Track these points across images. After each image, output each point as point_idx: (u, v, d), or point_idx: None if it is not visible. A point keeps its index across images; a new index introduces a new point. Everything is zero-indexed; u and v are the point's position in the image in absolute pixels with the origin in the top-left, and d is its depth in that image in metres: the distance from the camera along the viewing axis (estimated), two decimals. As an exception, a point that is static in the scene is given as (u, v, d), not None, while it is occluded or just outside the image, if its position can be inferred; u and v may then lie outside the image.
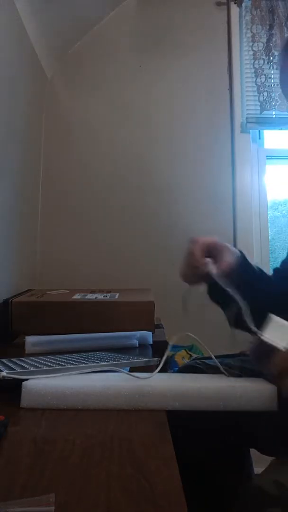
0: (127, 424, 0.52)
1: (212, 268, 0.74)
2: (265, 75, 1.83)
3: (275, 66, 1.83)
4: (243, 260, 0.85)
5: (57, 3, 1.54)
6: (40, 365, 0.68)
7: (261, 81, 1.83)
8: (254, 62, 1.85)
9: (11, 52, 1.38)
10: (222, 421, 0.70)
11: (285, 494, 0.51)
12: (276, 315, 0.71)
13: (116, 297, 1.18)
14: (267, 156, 1.91)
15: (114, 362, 0.71)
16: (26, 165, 1.64)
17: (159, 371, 0.66)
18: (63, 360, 0.74)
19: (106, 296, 1.19)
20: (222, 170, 1.86)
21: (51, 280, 1.73)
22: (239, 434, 0.80)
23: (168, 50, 1.90)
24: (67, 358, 0.76)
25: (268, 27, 1.83)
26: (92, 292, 1.29)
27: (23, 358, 0.75)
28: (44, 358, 0.76)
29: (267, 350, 0.41)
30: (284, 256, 0.91)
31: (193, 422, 0.75)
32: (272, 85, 1.82)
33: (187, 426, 0.74)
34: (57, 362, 0.72)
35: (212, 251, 0.78)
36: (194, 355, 1.52)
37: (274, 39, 1.82)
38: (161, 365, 0.67)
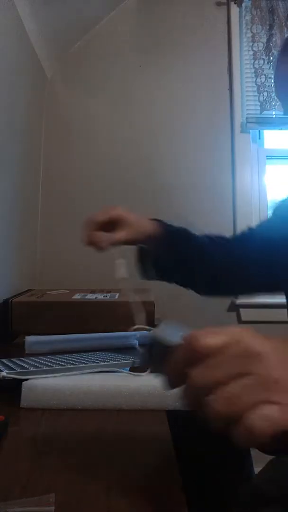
0: (127, 424, 0.52)
1: (105, 242, 0.80)
2: (265, 75, 1.83)
3: (275, 66, 1.83)
4: (163, 230, 0.89)
5: (57, 3, 1.54)
6: (40, 365, 0.68)
7: (261, 81, 1.83)
8: (254, 62, 1.85)
9: (11, 52, 1.38)
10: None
11: (283, 493, 0.51)
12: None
13: (116, 297, 1.18)
14: (267, 156, 1.91)
15: (114, 362, 0.71)
16: (26, 165, 1.64)
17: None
18: (63, 360, 0.74)
19: (106, 296, 1.19)
20: (222, 170, 1.86)
21: (51, 280, 1.73)
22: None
23: (168, 50, 1.90)
24: (67, 358, 0.76)
25: (268, 27, 1.83)
26: (92, 292, 1.29)
27: (23, 358, 0.75)
28: (44, 358, 0.76)
29: (160, 349, 0.39)
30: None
31: (193, 422, 0.75)
32: (272, 85, 1.82)
33: (187, 426, 0.74)
34: (57, 362, 0.72)
35: (114, 224, 0.82)
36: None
37: (274, 39, 1.82)
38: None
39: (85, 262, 1.79)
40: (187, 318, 1.77)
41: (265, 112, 1.81)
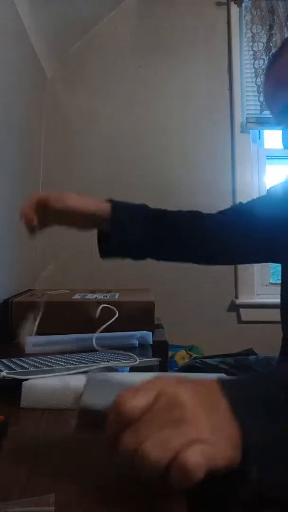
0: (127, 424, 0.52)
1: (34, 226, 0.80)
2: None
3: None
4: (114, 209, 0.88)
5: (57, 3, 1.54)
6: (40, 365, 0.68)
7: (261, 81, 1.83)
8: (254, 62, 1.85)
9: (11, 52, 1.38)
10: None
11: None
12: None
13: (116, 297, 1.18)
14: (267, 156, 1.91)
15: (114, 362, 0.71)
16: (26, 165, 1.64)
17: (161, 371, 0.66)
18: (63, 360, 0.74)
19: (106, 296, 1.19)
20: (222, 169, 1.86)
21: (51, 280, 1.73)
22: None
23: (168, 50, 1.90)
24: (67, 358, 0.76)
25: (268, 27, 1.83)
26: (92, 292, 1.29)
27: (23, 358, 0.75)
28: (44, 358, 0.76)
29: (95, 416, 0.38)
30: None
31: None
32: (272, 85, 1.82)
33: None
34: (57, 362, 0.72)
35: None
36: (194, 355, 1.52)
37: (274, 39, 1.82)
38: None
39: (85, 262, 1.79)
40: (187, 318, 1.77)
41: (265, 112, 1.81)
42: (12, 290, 1.35)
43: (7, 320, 1.08)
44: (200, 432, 0.32)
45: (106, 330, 0.99)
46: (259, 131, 1.90)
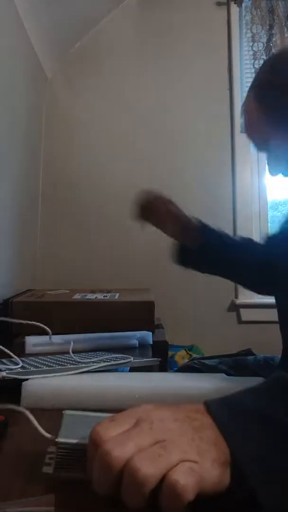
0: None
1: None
2: (265, 75, 1.83)
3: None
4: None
5: (57, 3, 1.54)
6: (40, 365, 0.68)
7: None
8: (254, 62, 1.85)
9: (11, 52, 1.38)
10: None
11: None
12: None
13: (116, 297, 1.18)
14: (267, 156, 1.90)
15: (114, 362, 0.71)
16: (26, 165, 1.64)
17: (161, 371, 0.66)
18: (63, 360, 0.74)
19: (106, 296, 1.19)
20: (222, 170, 1.86)
21: (51, 280, 1.73)
22: None
23: (168, 50, 1.90)
24: (67, 358, 0.76)
25: (268, 27, 1.83)
26: (92, 292, 1.29)
27: (23, 358, 0.75)
28: (44, 358, 0.76)
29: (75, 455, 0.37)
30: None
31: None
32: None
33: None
34: (57, 362, 0.72)
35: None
36: (194, 355, 1.52)
37: (274, 39, 1.82)
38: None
39: (85, 262, 1.80)
40: (187, 318, 1.77)
41: (265, 112, 1.81)
42: (12, 290, 1.35)
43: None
44: (185, 453, 0.31)
45: (106, 330, 0.99)
46: None
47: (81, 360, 0.73)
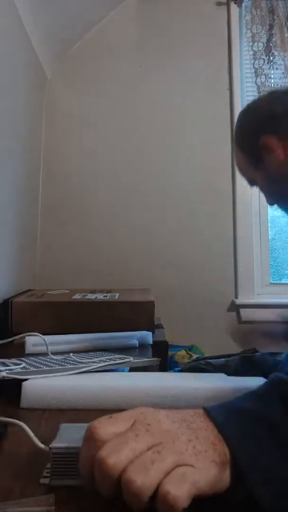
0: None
1: None
2: (265, 75, 1.83)
3: (275, 66, 1.83)
4: None
5: (57, 3, 1.54)
6: (40, 365, 0.68)
7: (261, 81, 1.83)
8: (254, 62, 1.85)
9: (11, 52, 1.38)
10: None
11: None
12: None
13: (116, 297, 1.18)
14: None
15: (114, 362, 0.71)
16: (27, 165, 1.64)
17: (161, 371, 0.66)
18: (63, 360, 0.74)
19: (106, 296, 1.19)
20: (222, 170, 1.86)
21: (51, 280, 1.73)
22: None
23: (168, 50, 1.90)
24: (67, 358, 0.76)
25: (268, 27, 1.83)
26: (92, 292, 1.29)
27: (23, 358, 0.75)
28: (44, 358, 0.76)
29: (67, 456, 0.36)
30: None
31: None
32: (272, 85, 1.82)
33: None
34: (57, 362, 0.72)
35: None
36: (194, 355, 1.52)
37: (274, 39, 1.82)
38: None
39: (85, 262, 1.80)
40: (187, 318, 1.77)
41: (265, 112, 1.81)
42: (12, 290, 1.35)
43: (7, 320, 1.08)
44: (181, 455, 0.31)
45: (106, 330, 0.99)
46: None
47: (81, 360, 0.73)
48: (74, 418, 0.53)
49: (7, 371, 0.61)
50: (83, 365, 0.68)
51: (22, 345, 0.89)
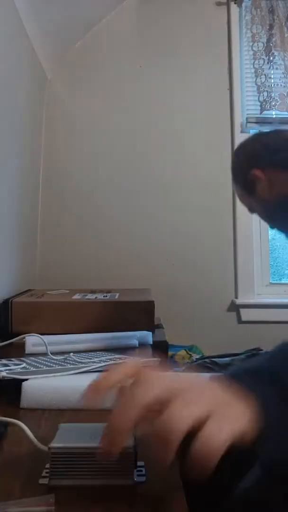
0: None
1: None
2: (265, 75, 1.83)
3: (275, 66, 1.83)
4: None
5: (57, 3, 1.54)
6: (40, 365, 0.68)
7: (261, 81, 1.83)
8: (254, 62, 1.85)
9: (11, 52, 1.38)
10: None
11: (262, 497, 0.52)
12: None
13: (116, 297, 1.18)
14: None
15: (114, 362, 0.71)
16: (27, 165, 1.64)
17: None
18: (63, 360, 0.74)
19: (106, 296, 1.19)
20: (222, 170, 1.86)
21: (51, 280, 1.73)
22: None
23: (168, 50, 1.90)
24: (67, 358, 0.76)
25: (268, 27, 1.83)
26: (92, 292, 1.29)
27: (23, 358, 0.75)
28: (44, 358, 0.76)
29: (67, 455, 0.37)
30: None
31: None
32: (272, 85, 1.82)
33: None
34: (57, 362, 0.72)
35: None
36: (194, 355, 1.52)
37: (274, 39, 1.82)
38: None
39: (85, 262, 1.80)
40: (187, 318, 1.77)
41: (265, 112, 1.81)
42: (12, 290, 1.35)
43: (7, 320, 1.08)
44: (218, 406, 0.32)
45: (106, 330, 0.99)
46: (259, 131, 1.90)
47: (81, 360, 0.73)
48: (74, 418, 0.53)
49: (7, 371, 0.61)
50: (83, 365, 0.68)
51: (22, 345, 0.89)
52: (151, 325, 1.07)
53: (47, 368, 0.66)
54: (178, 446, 0.30)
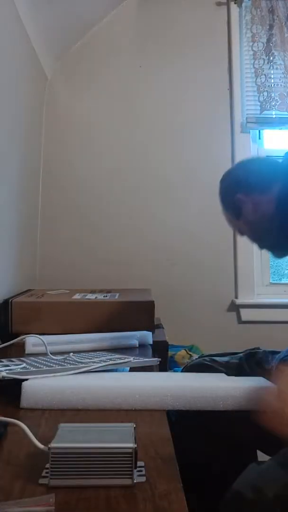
0: (127, 424, 0.52)
1: None
2: (265, 75, 1.83)
3: (275, 66, 1.83)
4: None
5: (57, 3, 1.54)
6: (40, 365, 0.68)
7: (261, 81, 1.83)
8: (254, 62, 1.85)
9: (11, 52, 1.38)
10: (228, 421, 0.70)
11: (261, 498, 0.52)
12: None
13: (116, 297, 1.18)
14: (267, 157, 1.90)
15: (114, 362, 0.71)
16: (26, 165, 1.64)
17: (161, 371, 0.66)
18: (63, 360, 0.74)
19: (106, 296, 1.19)
20: (222, 170, 1.86)
21: (51, 280, 1.73)
22: (245, 434, 0.80)
23: (168, 50, 1.90)
24: (67, 358, 0.76)
25: (268, 27, 1.83)
26: (92, 292, 1.29)
27: (23, 358, 0.75)
28: (44, 358, 0.76)
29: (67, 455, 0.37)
30: None
31: (193, 422, 0.75)
32: (272, 85, 1.82)
33: (188, 426, 0.74)
34: (57, 362, 0.72)
35: None
36: (194, 355, 1.52)
37: (274, 39, 1.82)
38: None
39: (85, 262, 1.80)
40: (187, 318, 1.77)
41: (265, 112, 1.81)
42: (12, 290, 1.35)
43: (7, 320, 1.08)
44: None
45: (106, 330, 0.99)
46: (259, 131, 1.90)
47: (81, 360, 0.73)
48: (74, 418, 0.53)
49: (7, 371, 0.61)
50: (83, 365, 0.68)
51: (22, 345, 0.90)
52: (151, 325, 1.07)
53: (47, 368, 0.66)
54: None
